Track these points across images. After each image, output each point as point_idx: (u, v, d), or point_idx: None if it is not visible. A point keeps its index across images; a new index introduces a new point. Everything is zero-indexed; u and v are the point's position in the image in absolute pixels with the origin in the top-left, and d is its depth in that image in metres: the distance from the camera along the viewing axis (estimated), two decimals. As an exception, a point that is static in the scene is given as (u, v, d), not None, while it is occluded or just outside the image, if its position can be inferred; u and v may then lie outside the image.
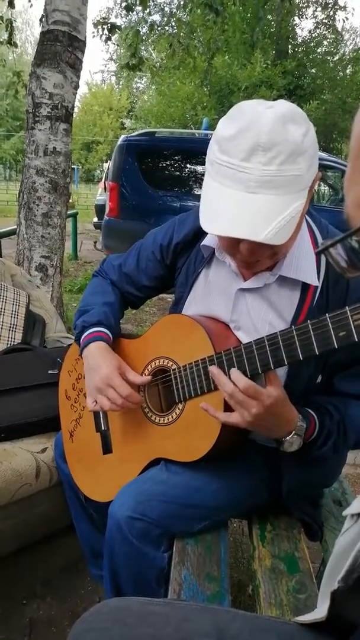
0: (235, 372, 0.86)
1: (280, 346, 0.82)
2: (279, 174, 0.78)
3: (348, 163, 0.39)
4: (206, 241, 1.04)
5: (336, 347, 0.74)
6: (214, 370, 0.90)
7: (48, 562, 1.58)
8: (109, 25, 4.70)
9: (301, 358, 0.80)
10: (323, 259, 0.94)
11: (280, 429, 0.90)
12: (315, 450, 0.94)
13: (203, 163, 0.84)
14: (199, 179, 5.21)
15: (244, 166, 0.78)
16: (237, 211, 0.79)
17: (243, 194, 0.79)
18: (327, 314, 0.75)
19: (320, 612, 0.60)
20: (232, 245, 0.88)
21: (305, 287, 0.95)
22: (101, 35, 4.86)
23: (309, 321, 0.78)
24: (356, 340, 0.72)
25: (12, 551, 1.47)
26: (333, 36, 15.18)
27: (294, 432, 0.89)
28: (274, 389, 0.84)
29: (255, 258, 0.88)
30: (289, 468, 1.00)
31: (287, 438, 0.90)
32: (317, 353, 0.77)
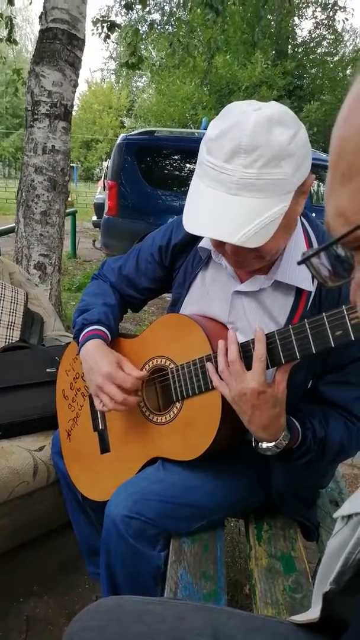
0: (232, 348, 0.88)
1: (277, 345, 0.82)
2: (259, 177, 0.77)
3: (327, 173, 0.38)
4: (203, 243, 1.04)
5: (333, 345, 0.75)
6: (209, 365, 0.92)
7: (45, 560, 1.58)
8: (108, 23, 4.68)
9: (299, 357, 0.80)
10: None
11: (264, 430, 0.89)
12: (290, 460, 0.95)
13: (202, 162, 0.85)
14: (198, 178, 5.20)
15: (225, 167, 0.78)
16: (215, 212, 0.79)
17: (223, 195, 0.79)
18: (323, 313, 0.76)
19: (313, 612, 0.60)
20: (219, 244, 0.89)
21: (299, 291, 0.95)
22: (100, 34, 4.84)
23: (306, 320, 0.78)
24: (353, 338, 0.72)
25: (9, 549, 1.47)
26: (333, 37, 15.18)
27: (274, 443, 0.90)
28: (256, 379, 0.84)
29: (240, 259, 0.88)
30: (275, 470, 1.00)
31: (265, 445, 0.91)
32: (315, 352, 0.77)
